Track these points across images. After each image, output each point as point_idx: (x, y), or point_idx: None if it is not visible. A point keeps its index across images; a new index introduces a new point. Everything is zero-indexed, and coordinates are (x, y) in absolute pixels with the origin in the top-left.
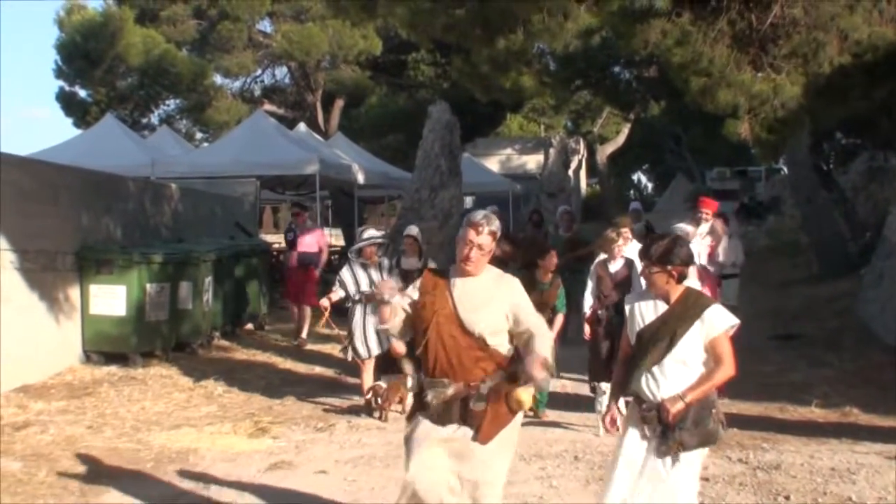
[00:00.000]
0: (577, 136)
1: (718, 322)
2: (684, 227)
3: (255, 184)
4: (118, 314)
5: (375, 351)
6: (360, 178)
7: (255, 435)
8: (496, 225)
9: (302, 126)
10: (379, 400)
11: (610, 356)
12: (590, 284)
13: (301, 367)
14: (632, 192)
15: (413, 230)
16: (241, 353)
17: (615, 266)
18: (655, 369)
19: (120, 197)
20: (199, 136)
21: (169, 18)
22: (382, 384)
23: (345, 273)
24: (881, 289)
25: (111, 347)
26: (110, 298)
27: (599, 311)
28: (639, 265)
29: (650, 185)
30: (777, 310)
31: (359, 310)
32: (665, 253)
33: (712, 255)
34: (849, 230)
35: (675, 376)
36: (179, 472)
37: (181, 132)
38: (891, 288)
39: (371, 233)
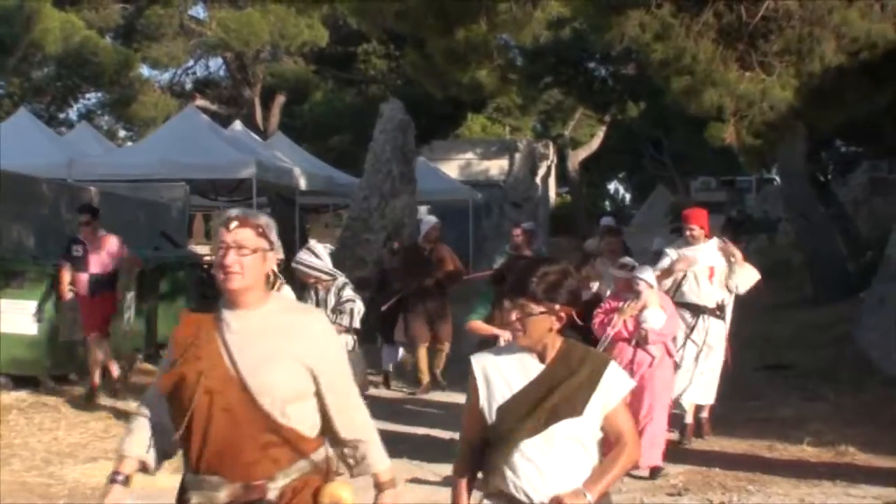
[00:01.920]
0: (546, 139)
1: (617, 387)
2: (672, 251)
3: (185, 188)
4: (29, 333)
5: None
6: (302, 184)
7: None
8: (263, 219)
9: (238, 124)
10: None
11: None
12: None
13: None
14: (607, 202)
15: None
16: None
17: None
18: (531, 455)
19: (32, 201)
20: (122, 133)
21: (91, 2)
22: None
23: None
24: (882, 314)
25: (20, 370)
26: (20, 315)
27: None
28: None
29: (627, 196)
30: (767, 337)
31: None
32: (554, 286)
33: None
34: (848, 249)
35: (561, 466)
36: None
37: (102, 129)
38: (893, 313)
39: (302, 258)
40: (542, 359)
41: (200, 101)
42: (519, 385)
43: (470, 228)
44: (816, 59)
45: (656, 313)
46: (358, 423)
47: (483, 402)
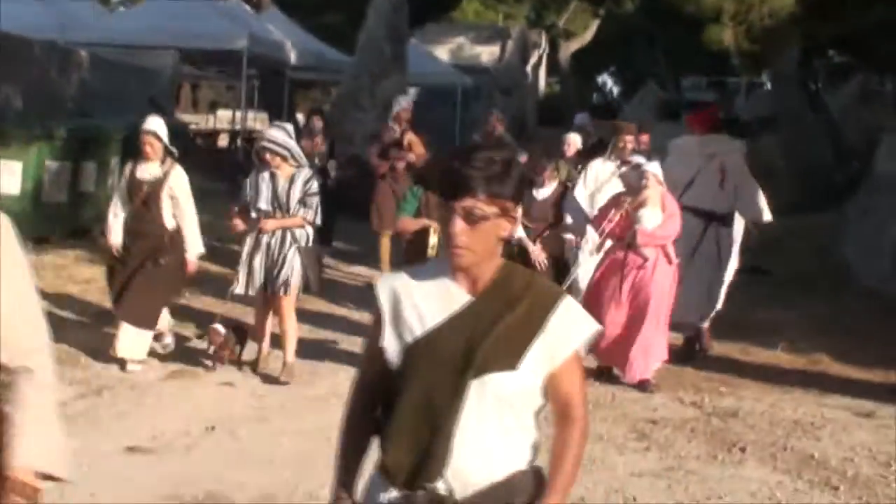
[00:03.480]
0: (539, 28)
1: (570, 335)
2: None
3: (175, 56)
4: (11, 193)
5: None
6: (294, 58)
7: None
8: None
9: None
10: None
11: None
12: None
13: (214, 266)
14: (595, 95)
15: None
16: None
17: (543, 192)
18: (447, 423)
19: (22, 62)
20: None
21: None
22: (220, 329)
23: (251, 176)
24: (865, 226)
25: None
26: (5, 175)
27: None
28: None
29: (616, 90)
30: (746, 240)
31: (250, 237)
32: (503, 175)
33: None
34: (835, 157)
35: (485, 437)
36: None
37: None
38: (876, 226)
39: (275, 134)
40: (472, 285)
41: None
42: (436, 319)
43: (458, 113)
44: None
45: (652, 213)
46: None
47: (387, 338)
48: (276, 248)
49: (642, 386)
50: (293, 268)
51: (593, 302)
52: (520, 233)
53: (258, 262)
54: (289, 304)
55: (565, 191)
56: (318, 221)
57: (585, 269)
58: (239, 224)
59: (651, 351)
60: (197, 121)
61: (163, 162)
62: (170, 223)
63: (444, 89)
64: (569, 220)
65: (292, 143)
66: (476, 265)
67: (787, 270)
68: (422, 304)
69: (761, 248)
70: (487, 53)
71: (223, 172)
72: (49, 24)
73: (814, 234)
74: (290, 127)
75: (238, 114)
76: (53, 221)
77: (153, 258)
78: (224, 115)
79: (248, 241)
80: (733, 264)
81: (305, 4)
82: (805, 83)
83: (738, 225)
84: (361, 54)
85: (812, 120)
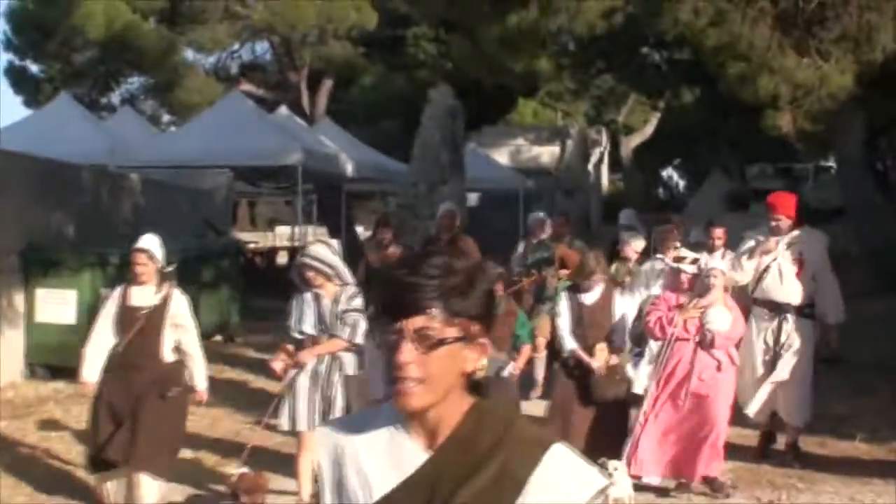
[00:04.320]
0: (598, 125)
1: (565, 495)
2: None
3: (229, 175)
4: (68, 322)
5: (303, 425)
6: (349, 170)
7: (220, 464)
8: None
9: (284, 109)
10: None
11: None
12: (562, 319)
13: (278, 387)
14: (661, 190)
15: None
16: (210, 370)
17: (591, 297)
18: None
19: (73, 188)
20: (165, 119)
21: None
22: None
23: (294, 298)
24: None
25: (59, 360)
26: (59, 304)
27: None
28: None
29: (681, 183)
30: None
31: (295, 371)
32: (467, 287)
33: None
34: None
35: None
36: None
37: (145, 114)
38: None
39: (318, 251)
40: (430, 438)
41: (245, 86)
42: (384, 485)
43: (520, 217)
44: (876, 46)
45: (722, 313)
46: None
47: None
48: (325, 377)
49: (713, 484)
50: (339, 400)
51: (654, 409)
52: (571, 344)
53: (304, 392)
54: None
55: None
56: (361, 340)
57: (643, 377)
58: (280, 364)
59: (716, 452)
60: (256, 239)
61: (159, 286)
62: (168, 356)
63: (505, 193)
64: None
65: (337, 261)
66: (433, 409)
67: (862, 358)
68: (367, 465)
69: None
70: (547, 154)
71: (283, 291)
72: (100, 149)
73: (890, 317)
74: (335, 243)
75: (297, 230)
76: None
77: (156, 392)
78: (283, 231)
79: (292, 371)
80: (806, 365)
81: (359, 114)
82: (872, 164)
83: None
84: (418, 162)
85: (882, 202)
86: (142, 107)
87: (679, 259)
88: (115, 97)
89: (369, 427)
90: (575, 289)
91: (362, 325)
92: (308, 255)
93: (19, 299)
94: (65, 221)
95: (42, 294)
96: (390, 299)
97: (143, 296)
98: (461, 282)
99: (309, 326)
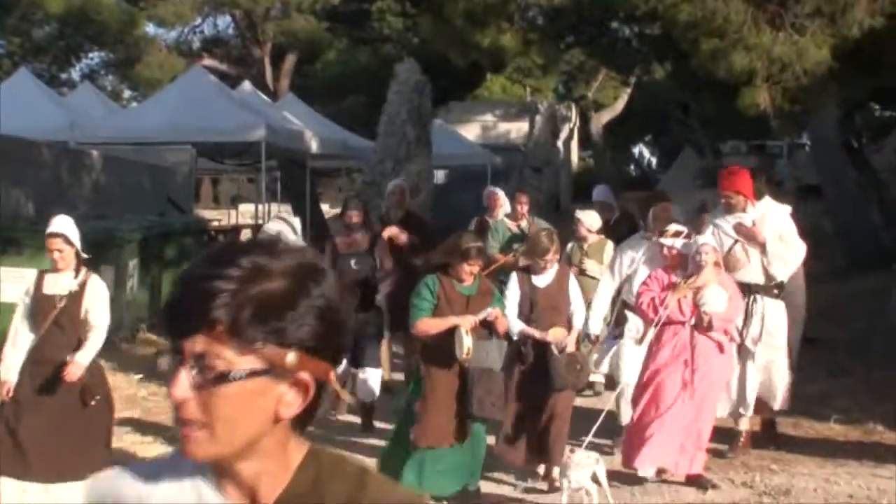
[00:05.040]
0: (568, 101)
1: None
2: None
3: (191, 152)
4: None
5: None
6: (314, 147)
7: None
8: None
9: (247, 85)
10: None
11: (530, 414)
12: (510, 301)
13: None
14: (632, 167)
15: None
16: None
17: (544, 279)
18: None
19: (32, 165)
20: (126, 94)
21: None
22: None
23: None
24: None
25: None
26: (19, 283)
27: (522, 347)
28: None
29: (653, 160)
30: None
31: None
32: (281, 300)
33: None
34: (881, 217)
35: None
36: None
37: (106, 90)
38: None
39: (276, 228)
40: (250, 499)
41: (208, 61)
42: None
43: None
44: (851, 21)
45: (717, 293)
46: None
47: None
48: None
49: (698, 483)
50: None
51: (652, 397)
52: (518, 325)
53: None
54: None
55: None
56: None
57: (630, 361)
58: None
59: (703, 445)
60: (219, 217)
61: (77, 271)
62: None
63: (473, 170)
64: (579, 313)
65: (297, 241)
66: (242, 462)
67: (837, 337)
68: None
69: (809, 316)
70: (516, 130)
71: None
72: (59, 125)
73: (864, 298)
74: (294, 221)
75: (261, 207)
76: None
77: (78, 397)
78: (246, 209)
79: None
80: (782, 346)
81: (323, 90)
82: (847, 142)
83: (796, 295)
84: (384, 139)
85: (856, 180)
86: (102, 82)
87: (663, 233)
88: (75, 73)
89: (165, 479)
90: (527, 270)
91: None
92: (266, 234)
93: None
94: (24, 199)
95: (1, 273)
96: (170, 308)
97: (60, 283)
98: (274, 292)
99: None
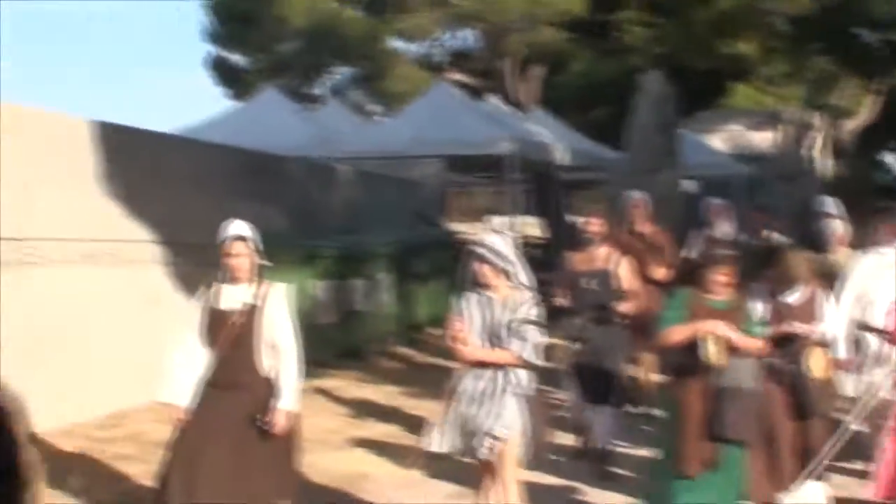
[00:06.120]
0: (814, 109)
1: None
2: None
3: (440, 165)
4: None
5: (446, 446)
6: (562, 159)
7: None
8: None
9: (493, 98)
10: None
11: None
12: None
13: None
14: (882, 175)
15: None
16: (423, 361)
17: (794, 296)
18: None
19: (282, 181)
20: (373, 109)
21: None
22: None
23: (460, 299)
24: None
25: None
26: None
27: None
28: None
29: None
30: None
31: (465, 373)
32: None
33: None
34: None
35: None
36: (349, 501)
37: (353, 105)
38: None
39: (494, 242)
40: None
41: (454, 75)
42: None
43: (740, 206)
44: None
45: None
46: None
47: None
48: (489, 393)
49: None
50: (511, 418)
51: None
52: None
53: (464, 411)
54: (506, 466)
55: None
56: (534, 360)
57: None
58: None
59: None
60: (468, 230)
61: (256, 282)
62: (266, 371)
63: (723, 180)
64: (829, 332)
65: (515, 256)
66: None
67: None
68: None
69: None
70: (763, 139)
71: None
72: (308, 141)
73: None
74: (512, 235)
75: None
76: (324, 344)
77: (254, 422)
78: (497, 223)
79: (453, 382)
80: None
81: (569, 102)
82: None
83: None
84: (630, 150)
85: None
86: (349, 97)
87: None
88: (321, 88)
89: None
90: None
91: (535, 339)
92: (482, 246)
93: None
94: (274, 215)
95: None
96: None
97: (236, 295)
98: None
99: (475, 337)
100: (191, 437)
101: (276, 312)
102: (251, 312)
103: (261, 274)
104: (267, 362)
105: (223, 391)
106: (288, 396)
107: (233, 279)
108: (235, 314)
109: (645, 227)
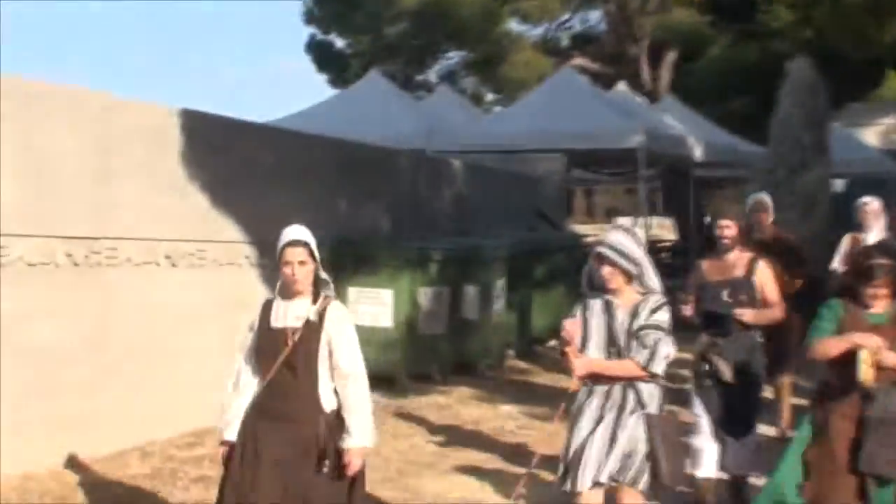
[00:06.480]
0: None
1: None
2: None
3: (562, 160)
4: (383, 325)
5: (589, 479)
6: (698, 154)
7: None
8: None
9: (622, 86)
10: None
11: None
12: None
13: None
14: None
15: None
16: (543, 378)
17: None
18: None
19: (387, 176)
20: (488, 98)
21: None
22: None
23: (578, 305)
24: None
25: (373, 368)
26: (373, 305)
27: None
28: None
29: None
30: None
31: (582, 392)
32: None
33: None
34: None
35: None
36: None
37: (466, 93)
38: None
39: (620, 241)
40: None
41: (578, 60)
42: None
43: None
44: None
45: None
46: None
47: None
48: (615, 415)
49: None
50: (637, 446)
51: None
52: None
53: (583, 436)
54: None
55: None
56: (661, 371)
57: None
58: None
59: None
60: (594, 232)
61: (315, 296)
62: (328, 400)
63: (877, 178)
64: None
65: (643, 257)
66: None
67: None
68: None
69: None
70: None
71: None
72: (416, 132)
73: None
74: (639, 233)
75: (640, 221)
76: (432, 355)
77: (310, 460)
78: (624, 223)
79: (577, 404)
80: None
81: (706, 90)
82: None
83: None
84: (775, 145)
85: None
86: (461, 85)
87: None
88: (431, 75)
89: None
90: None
91: (665, 350)
92: (606, 245)
93: None
94: (379, 213)
95: (354, 294)
96: None
97: (293, 311)
98: None
99: (595, 348)
100: (240, 481)
101: (340, 331)
102: (309, 330)
103: (320, 288)
104: (328, 389)
105: (276, 423)
106: (360, 432)
107: (289, 292)
108: (289, 332)
109: (767, 233)
